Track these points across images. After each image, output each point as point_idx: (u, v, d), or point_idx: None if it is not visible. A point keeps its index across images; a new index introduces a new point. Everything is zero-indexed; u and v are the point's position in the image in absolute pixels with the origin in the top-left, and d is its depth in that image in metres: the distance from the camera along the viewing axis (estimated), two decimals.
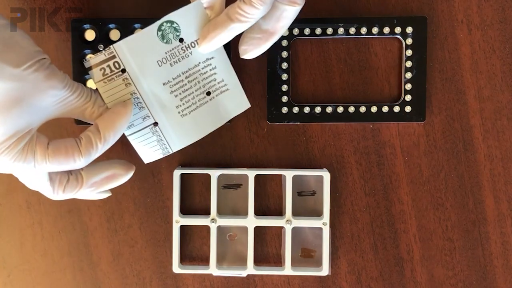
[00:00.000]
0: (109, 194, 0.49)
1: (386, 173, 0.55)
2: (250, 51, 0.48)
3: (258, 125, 0.56)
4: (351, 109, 0.54)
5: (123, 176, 0.48)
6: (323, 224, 0.55)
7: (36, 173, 0.44)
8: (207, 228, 0.55)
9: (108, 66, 0.46)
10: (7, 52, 0.40)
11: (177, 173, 0.55)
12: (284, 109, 0.54)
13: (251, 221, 0.55)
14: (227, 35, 0.46)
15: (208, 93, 0.49)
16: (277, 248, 0.57)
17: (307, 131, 0.55)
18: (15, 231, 0.56)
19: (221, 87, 0.50)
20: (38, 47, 0.42)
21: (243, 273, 0.55)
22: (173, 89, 0.48)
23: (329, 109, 0.54)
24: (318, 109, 0.54)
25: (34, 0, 0.54)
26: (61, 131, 0.55)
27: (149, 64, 0.47)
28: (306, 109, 0.54)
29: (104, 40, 0.53)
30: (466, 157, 0.55)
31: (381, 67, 0.55)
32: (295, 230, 0.55)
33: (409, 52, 0.54)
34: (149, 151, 0.49)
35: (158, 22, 0.46)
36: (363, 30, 0.54)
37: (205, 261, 0.56)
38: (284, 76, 0.54)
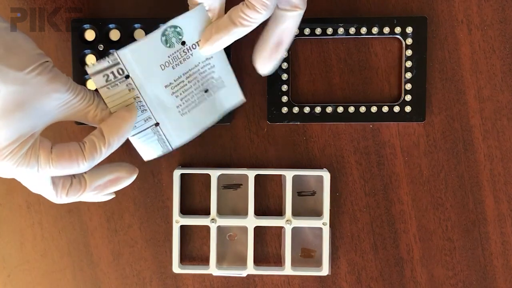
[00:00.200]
0: (112, 196, 0.49)
1: (386, 173, 0.55)
2: (266, 67, 0.48)
3: (258, 125, 0.56)
4: (351, 109, 0.54)
5: (127, 179, 0.48)
6: (323, 224, 0.55)
7: (39, 177, 0.44)
8: (207, 228, 0.55)
9: (112, 72, 0.45)
10: (9, 56, 0.40)
11: (177, 173, 0.55)
12: (284, 109, 0.54)
13: (251, 221, 0.55)
14: (230, 39, 0.46)
15: (206, 91, 0.50)
16: (277, 248, 0.57)
17: (307, 131, 0.55)
18: (15, 231, 0.56)
19: (218, 84, 0.50)
20: (40, 49, 0.42)
21: (243, 273, 0.55)
22: (174, 90, 0.48)
23: (329, 109, 0.54)
24: (318, 109, 0.54)
25: (34, 0, 0.54)
26: (61, 132, 0.55)
27: (152, 68, 0.47)
28: (306, 109, 0.54)
29: (104, 40, 0.53)
30: (466, 157, 0.55)
31: (381, 67, 0.55)
32: (295, 230, 0.55)
33: (409, 52, 0.54)
34: (149, 149, 0.49)
35: (163, 28, 0.46)
36: (363, 30, 0.54)
37: (205, 261, 0.56)
38: (284, 76, 0.54)
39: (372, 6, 0.54)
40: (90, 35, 0.54)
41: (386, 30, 0.54)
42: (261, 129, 0.56)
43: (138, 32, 0.53)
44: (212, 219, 0.55)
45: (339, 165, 0.56)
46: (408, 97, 0.54)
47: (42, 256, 0.57)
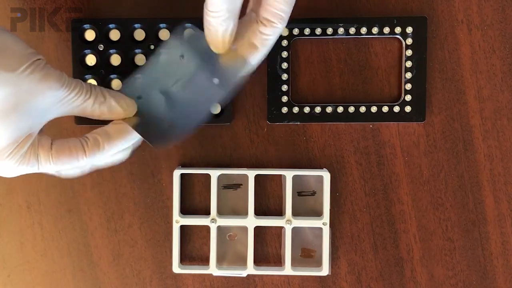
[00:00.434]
0: (127, 154, 0.48)
1: (386, 173, 0.55)
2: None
3: (258, 125, 0.56)
4: (351, 109, 0.54)
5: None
6: (323, 224, 0.55)
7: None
8: (207, 228, 0.55)
9: None
10: (0, 58, 0.40)
11: (177, 173, 0.55)
12: (284, 109, 0.54)
13: (251, 221, 0.55)
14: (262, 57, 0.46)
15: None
16: (277, 248, 0.57)
17: (307, 131, 0.55)
18: (15, 231, 0.56)
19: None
20: (31, 48, 0.41)
21: (243, 273, 0.55)
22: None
23: (329, 109, 0.54)
24: (318, 109, 0.54)
25: (34, 0, 0.54)
26: (61, 132, 0.55)
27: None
28: (306, 109, 0.54)
29: (104, 40, 0.53)
30: (466, 157, 0.55)
31: (381, 67, 0.55)
32: (295, 230, 0.55)
33: (409, 52, 0.54)
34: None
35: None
36: (363, 30, 0.54)
37: (205, 261, 0.56)
38: (284, 76, 0.54)
39: (372, 6, 0.54)
40: (90, 35, 0.54)
41: (386, 30, 0.54)
42: (261, 129, 0.56)
43: (138, 32, 0.53)
44: (212, 219, 0.55)
45: (339, 165, 0.56)
46: (408, 97, 0.54)
47: (42, 256, 0.57)
